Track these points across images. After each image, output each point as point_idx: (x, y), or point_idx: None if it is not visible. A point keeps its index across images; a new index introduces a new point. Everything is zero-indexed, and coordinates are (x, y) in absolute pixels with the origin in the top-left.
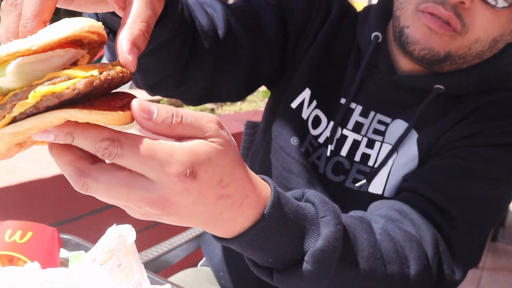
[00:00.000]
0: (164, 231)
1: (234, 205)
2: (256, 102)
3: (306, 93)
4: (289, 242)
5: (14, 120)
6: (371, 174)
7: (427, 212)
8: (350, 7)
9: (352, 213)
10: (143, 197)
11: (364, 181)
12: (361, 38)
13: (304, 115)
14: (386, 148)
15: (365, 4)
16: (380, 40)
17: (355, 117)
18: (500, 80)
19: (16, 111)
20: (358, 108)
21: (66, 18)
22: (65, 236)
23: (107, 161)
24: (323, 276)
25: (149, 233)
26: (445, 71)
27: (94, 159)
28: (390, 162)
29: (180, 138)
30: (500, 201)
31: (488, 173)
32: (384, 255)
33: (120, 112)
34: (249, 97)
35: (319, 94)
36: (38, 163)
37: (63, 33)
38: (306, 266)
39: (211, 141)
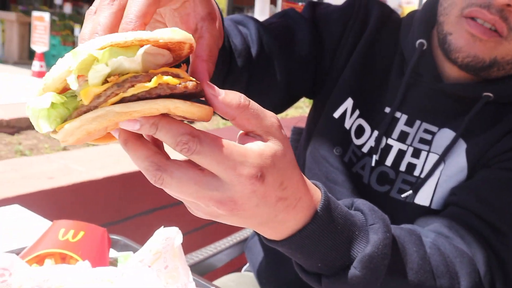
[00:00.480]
0: (209, 235)
1: (289, 207)
2: (303, 108)
3: (348, 103)
4: (338, 246)
5: (121, 101)
6: (417, 184)
7: (478, 228)
8: (392, 14)
9: (401, 226)
10: (212, 196)
11: (410, 192)
12: (405, 45)
13: (347, 124)
14: (433, 157)
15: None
16: (425, 47)
17: (400, 126)
18: None
19: (130, 92)
20: (403, 117)
21: (173, 27)
22: (114, 237)
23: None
24: (371, 283)
25: (194, 236)
26: (493, 77)
27: (167, 156)
28: (437, 172)
29: (246, 126)
30: None
31: None
32: (434, 268)
33: (209, 107)
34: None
35: (362, 103)
36: (90, 165)
37: (178, 37)
38: (354, 271)
39: (274, 143)
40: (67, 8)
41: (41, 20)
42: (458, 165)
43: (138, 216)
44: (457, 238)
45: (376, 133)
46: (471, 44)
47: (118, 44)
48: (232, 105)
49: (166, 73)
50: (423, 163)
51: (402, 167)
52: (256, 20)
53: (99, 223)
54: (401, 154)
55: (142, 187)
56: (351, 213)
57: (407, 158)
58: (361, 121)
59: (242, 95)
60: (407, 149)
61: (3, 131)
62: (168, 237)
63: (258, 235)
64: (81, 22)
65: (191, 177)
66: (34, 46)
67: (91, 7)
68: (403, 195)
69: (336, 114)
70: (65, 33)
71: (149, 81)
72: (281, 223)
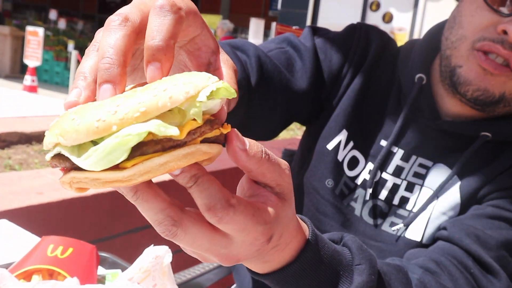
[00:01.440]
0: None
1: (278, 251)
2: (294, 131)
3: (343, 135)
4: (321, 285)
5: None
6: (408, 218)
7: (467, 265)
8: (390, 42)
9: (389, 260)
10: (219, 253)
11: (401, 225)
12: (403, 78)
13: (340, 156)
14: (426, 192)
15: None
16: (424, 82)
17: (396, 161)
18: None
19: (212, 134)
20: (400, 152)
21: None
22: (103, 254)
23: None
24: None
25: (183, 255)
26: (496, 114)
27: (181, 206)
28: (429, 208)
29: (259, 178)
30: None
31: None
32: None
33: (222, 148)
34: None
35: (357, 135)
36: None
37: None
38: None
39: (284, 196)
40: (62, 24)
41: (35, 34)
42: (451, 202)
43: (127, 233)
44: (445, 275)
45: (370, 165)
46: (481, 78)
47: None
48: (253, 159)
49: (221, 120)
50: (416, 197)
51: (395, 201)
52: (255, 46)
53: (88, 239)
54: (395, 188)
55: (131, 205)
56: (338, 251)
57: (401, 192)
58: (355, 153)
59: (263, 147)
60: (401, 183)
61: None
62: (158, 255)
63: None
64: (74, 38)
65: (205, 234)
66: (26, 61)
67: (94, 42)
68: (393, 228)
69: (330, 146)
70: (58, 48)
71: (222, 126)
72: (267, 262)
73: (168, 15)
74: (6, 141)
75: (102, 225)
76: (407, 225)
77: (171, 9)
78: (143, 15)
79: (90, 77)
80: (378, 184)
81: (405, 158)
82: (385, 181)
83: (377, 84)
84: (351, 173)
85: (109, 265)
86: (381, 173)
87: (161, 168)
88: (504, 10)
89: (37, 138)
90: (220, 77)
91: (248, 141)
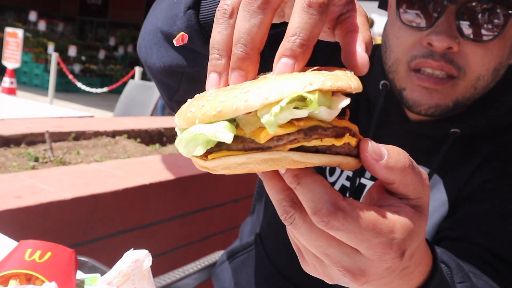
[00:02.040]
0: (177, 259)
1: (407, 274)
2: None
3: None
4: None
5: (298, 148)
6: None
7: (488, 261)
8: None
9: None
10: (341, 261)
11: None
12: (368, 85)
13: None
14: None
15: None
16: (389, 88)
17: None
18: None
19: (313, 143)
20: None
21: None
22: (81, 258)
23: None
24: None
25: (162, 259)
26: (459, 112)
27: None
28: None
29: (400, 191)
30: None
31: None
32: None
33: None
34: None
35: None
36: (59, 185)
37: (359, 85)
38: None
39: (421, 211)
40: (41, 26)
41: (14, 36)
42: (438, 200)
43: (107, 237)
44: (483, 274)
45: (349, 172)
46: (428, 96)
47: (322, 89)
48: (395, 169)
49: (349, 130)
50: None
51: None
52: None
53: (67, 244)
54: None
55: (111, 209)
56: (444, 271)
57: None
58: None
59: (404, 152)
60: None
61: None
62: (137, 259)
63: (230, 261)
64: (55, 40)
65: (322, 233)
66: (5, 62)
67: (224, 6)
68: None
69: None
70: (38, 50)
71: (335, 136)
72: (393, 287)
73: (315, 14)
74: None
75: (81, 229)
76: None
77: (319, 9)
78: None
79: (224, 57)
80: (357, 190)
81: None
82: (364, 186)
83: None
84: (330, 179)
85: (88, 269)
86: (360, 179)
87: (239, 167)
88: (422, 24)
89: (15, 141)
90: (352, 26)
91: (387, 149)
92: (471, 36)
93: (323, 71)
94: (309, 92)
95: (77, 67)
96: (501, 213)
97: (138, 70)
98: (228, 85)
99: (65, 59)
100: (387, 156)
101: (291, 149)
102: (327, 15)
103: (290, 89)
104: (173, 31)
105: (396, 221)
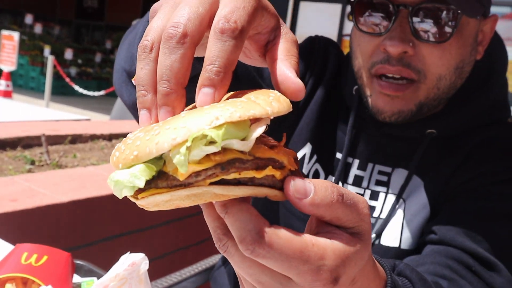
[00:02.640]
0: (175, 262)
1: None
2: None
3: (307, 148)
4: None
5: (219, 181)
6: (379, 226)
7: (468, 264)
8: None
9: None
10: (273, 287)
11: (373, 235)
12: (345, 93)
13: (305, 170)
14: (392, 198)
15: None
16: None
17: (354, 171)
18: (491, 113)
19: (233, 176)
20: (355, 162)
21: (277, 94)
22: (78, 262)
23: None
24: None
25: (160, 263)
26: (433, 113)
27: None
28: (400, 212)
29: (336, 221)
30: None
31: (509, 210)
32: None
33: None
34: None
35: (319, 149)
36: (55, 188)
37: (286, 108)
38: None
39: (360, 237)
40: (38, 28)
41: (10, 39)
42: (419, 202)
43: (103, 241)
44: (461, 280)
45: (331, 178)
46: (390, 103)
47: (232, 122)
48: (321, 205)
49: (273, 161)
50: (382, 204)
51: None
52: None
53: (63, 247)
54: None
55: (108, 212)
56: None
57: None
58: (318, 166)
59: (333, 186)
60: (364, 192)
61: None
62: (134, 262)
63: (225, 266)
64: (51, 43)
65: (255, 262)
66: (1, 65)
67: (145, 41)
68: None
69: None
70: (34, 53)
71: (256, 168)
72: None
73: (229, 41)
74: None
75: (78, 232)
76: (379, 234)
77: (232, 35)
78: (202, 24)
79: (150, 93)
80: None
81: (362, 167)
82: None
83: (334, 98)
84: None
85: (84, 273)
86: (343, 185)
87: (167, 203)
88: (379, 30)
89: (11, 144)
90: (274, 54)
91: (314, 185)
92: (427, 38)
93: (241, 99)
94: (216, 127)
95: (73, 70)
96: (481, 213)
97: None
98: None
99: (61, 62)
100: (313, 193)
101: (212, 183)
102: (243, 40)
103: (196, 128)
104: (133, 70)
105: (328, 247)
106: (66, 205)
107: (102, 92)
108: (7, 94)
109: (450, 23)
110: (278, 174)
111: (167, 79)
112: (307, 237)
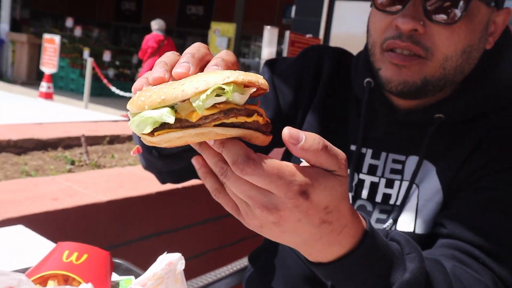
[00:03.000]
0: (210, 261)
1: (334, 232)
2: None
3: None
4: (379, 272)
5: (220, 124)
6: (395, 212)
7: (475, 255)
8: (345, 55)
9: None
10: (259, 200)
11: (391, 220)
12: (355, 85)
13: None
14: (406, 185)
15: None
16: (373, 85)
17: (368, 160)
18: (500, 98)
19: (231, 120)
20: (369, 152)
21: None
22: (116, 261)
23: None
24: None
25: (194, 263)
26: (442, 98)
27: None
28: (414, 198)
29: (319, 165)
30: None
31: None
32: None
33: (270, 136)
34: None
35: None
36: (94, 188)
37: (264, 82)
38: None
39: (337, 176)
40: (78, 32)
41: (51, 42)
42: (432, 188)
43: (140, 240)
44: (469, 268)
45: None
46: (397, 73)
47: (236, 82)
48: (309, 151)
49: (257, 112)
50: (397, 192)
51: (378, 198)
52: None
53: (102, 246)
54: (374, 186)
55: (145, 212)
56: (389, 243)
57: (381, 189)
58: None
59: (319, 138)
60: (379, 180)
61: (10, 151)
62: (171, 262)
63: (251, 266)
64: (90, 46)
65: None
66: (43, 68)
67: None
68: (384, 225)
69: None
70: (74, 55)
71: (247, 115)
72: (325, 246)
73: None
74: (22, 147)
75: (116, 231)
76: (395, 219)
77: None
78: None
79: (168, 66)
80: (358, 186)
81: (376, 156)
82: (363, 181)
83: (337, 98)
84: None
85: (122, 272)
86: (358, 174)
87: (178, 140)
88: (394, 9)
89: (52, 144)
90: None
91: (305, 135)
92: (437, 19)
93: (240, 71)
94: (226, 83)
95: (111, 72)
96: (490, 205)
97: None
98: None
99: (100, 64)
100: (304, 140)
101: (215, 125)
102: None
103: (213, 81)
104: (137, 142)
105: (300, 168)
106: (105, 205)
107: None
108: (48, 96)
109: (460, 7)
110: (261, 120)
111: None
112: (285, 162)
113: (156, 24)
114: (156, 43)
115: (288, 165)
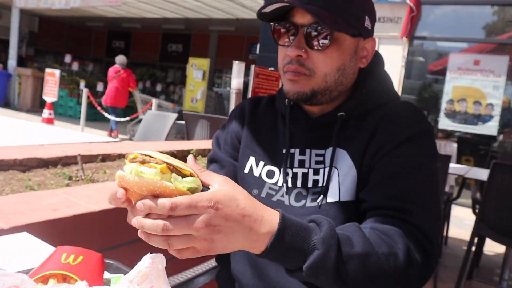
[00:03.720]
0: (188, 261)
1: (257, 221)
2: None
3: (251, 161)
4: (304, 239)
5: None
6: (323, 190)
7: (394, 216)
8: (260, 98)
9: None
10: (195, 224)
11: (321, 196)
12: (279, 106)
13: (256, 173)
14: (328, 170)
15: None
16: (292, 103)
17: (297, 157)
18: (382, 96)
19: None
20: (297, 151)
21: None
22: (108, 261)
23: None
24: (330, 257)
25: (175, 262)
26: (341, 102)
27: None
28: (335, 176)
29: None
30: (432, 179)
31: (413, 164)
32: (373, 242)
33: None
34: None
35: (263, 157)
36: (89, 199)
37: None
38: (317, 252)
39: (223, 187)
40: (75, 66)
41: (52, 75)
42: (347, 165)
43: (129, 243)
44: (386, 225)
45: (282, 169)
46: (292, 86)
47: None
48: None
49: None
50: (323, 176)
51: (310, 184)
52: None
53: (96, 248)
54: (305, 176)
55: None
56: (301, 220)
57: (311, 177)
58: (269, 167)
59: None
60: (308, 171)
61: (16, 169)
62: (154, 261)
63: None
64: (86, 78)
65: (180, 220)
66: (45, 97)
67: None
68: (317, 201)
69: (246, 170)
70: (72, 86)
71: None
72: (256, 234)
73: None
74: (27, 165)
75: (108, 236)
76: (324, 194)
77: None
78: None
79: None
80: (293, 178)
81: (302, 153)
82: (296, 173)
83: (263, 121)
84: (271, 181)
85: (113, 270)
86: (292, 169)
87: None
88: (286, 43)
89: (53, 163)
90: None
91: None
92: (314, 47)
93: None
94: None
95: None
96: (393, 173)
97: (154, 102)
98: None
99: (94, 93)
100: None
101: None
102: None
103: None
104: None
105: (201, 194)
106: (98, 213)
107: (127, 118)
108: (49, 121)
109: (329, 37)
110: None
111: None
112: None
113: (117, 60)
114: (114, 73)
115: (200, 195)
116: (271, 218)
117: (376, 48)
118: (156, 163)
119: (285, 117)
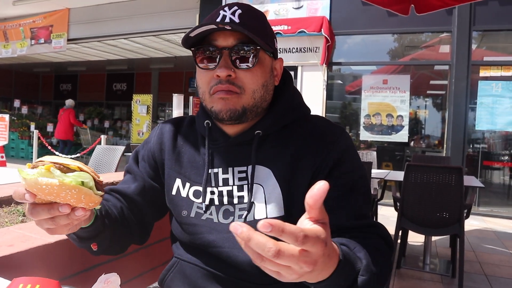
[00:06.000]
0: (145, 281)
1: (328, 257)
2: None
3: (178, 182)
4: (350, 269)
5: None
6: (249, 207)
7: (366, 231)
8: (182, 118)
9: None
10: (305, 260)
11: (246, 212)
12: (199, 128)
13: (184, 194)
14: (253, 186)
15: None
16: (210, 125)
17: (221, 176)
18: (295, 112)
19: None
20: (220, 170)
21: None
22: (65, 287)
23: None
24: (373, 280)
25: (133, 283)
26: (257, 120)
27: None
28: (261, 194)
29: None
30: (367, 189)
31: (355, 180)
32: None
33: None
34: None
35: (187, 177)
36: (44, 233)
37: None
38: (362, 278)
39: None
40: (24, 110)
41: (2, 120)
42: (271, 185)
43: (85, 271)
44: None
45: (209, 189)
46: (224, 104)
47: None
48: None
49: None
50: (248, 192)
51: (235, 201)
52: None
53: (54, 278)
54: (230, 193)
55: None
56: (348, 250)
57: (236, 194)
58: (195, 187)
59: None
60: (232, 188)
61: None
62: (109, 280)
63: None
64: (35, 120)
65: (292, 253)
66: None
67: None
68: (243, 217)
69: (173, 192)
70: (22, 129)
71: None
72: (325, 268)
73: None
74: None
75: (64, 266)
76: (249, 211)
77: None
78: None
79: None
80: (219, 196)
81: (225, 172)
82: (222, 191)
83: (184, 145)
84: (199, 200)
85: None
86: (217, 188)
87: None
88: (212, 66)
89: (6, 202)
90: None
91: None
92: (241, 66)
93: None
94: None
95: (54, 140)
96: (345, 192)
97: (103, 137)
98: None
99: (44, 134)
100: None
101: None
102: None
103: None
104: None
105: (319, 230)
106: (53, 245)
107: (78, 154)
108: (2, 164)
109: (254, 56)
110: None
111: None
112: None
113: (66, 102)
114: (60, 112)
115: (312, 229)
116: (334, 255)
117: (299, 75)
118: (43, 165)
119: (204, 138)
